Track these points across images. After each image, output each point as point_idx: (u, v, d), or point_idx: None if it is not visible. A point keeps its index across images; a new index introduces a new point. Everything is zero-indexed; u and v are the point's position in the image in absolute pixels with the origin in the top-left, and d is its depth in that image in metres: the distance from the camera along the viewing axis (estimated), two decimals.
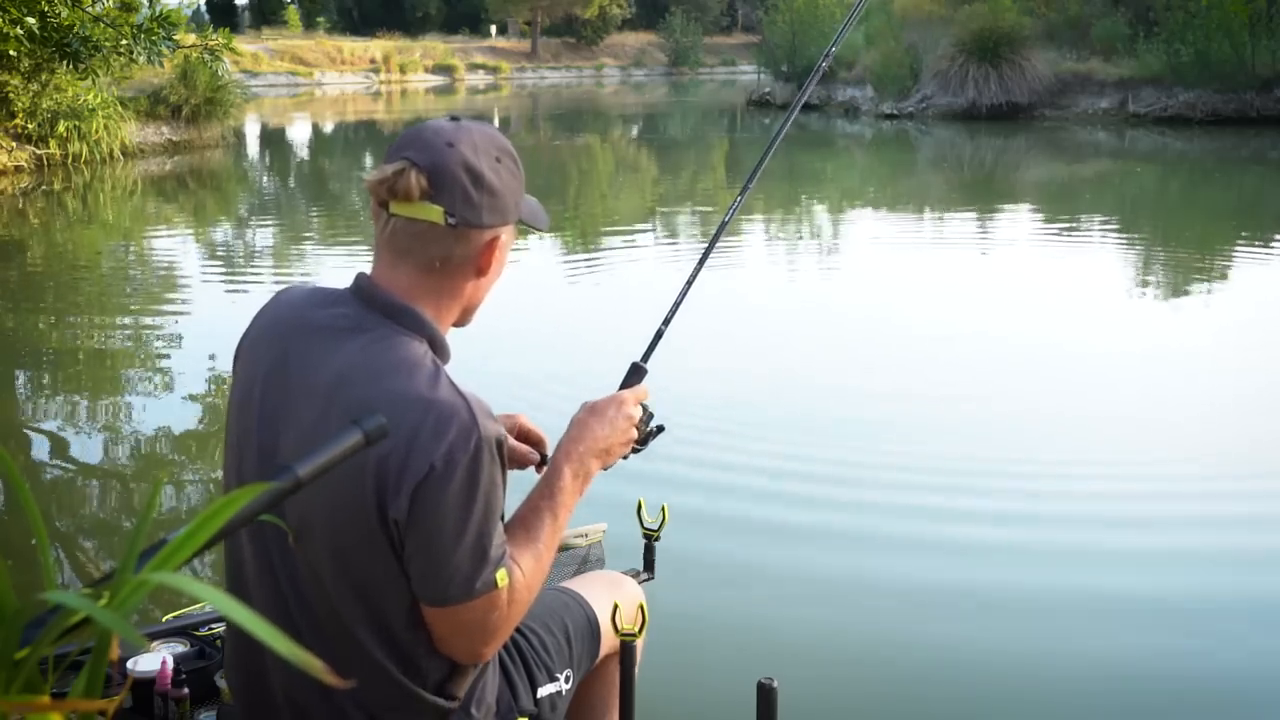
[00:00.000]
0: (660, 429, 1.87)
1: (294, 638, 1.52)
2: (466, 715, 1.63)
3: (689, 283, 2.07)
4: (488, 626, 1.53)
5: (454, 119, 1.57)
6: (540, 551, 1.60)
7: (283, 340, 1.58)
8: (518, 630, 1.80)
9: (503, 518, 1.56)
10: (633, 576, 2.18)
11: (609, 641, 1.93)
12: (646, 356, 1.96)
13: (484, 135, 1.55)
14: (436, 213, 1.49)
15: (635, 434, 1.78)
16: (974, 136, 20.78)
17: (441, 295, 1.56)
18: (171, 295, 8.52)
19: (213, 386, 5.80)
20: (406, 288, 1.54)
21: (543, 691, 1.78)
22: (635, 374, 1.90)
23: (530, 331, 6.39)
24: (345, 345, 1.52)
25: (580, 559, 2.23)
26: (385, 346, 1.51)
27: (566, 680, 1.83)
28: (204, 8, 56.98)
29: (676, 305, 2.03)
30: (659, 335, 2.01)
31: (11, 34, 12.21)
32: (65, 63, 12.99)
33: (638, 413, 1.80)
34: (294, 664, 0.74)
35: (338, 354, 1.52)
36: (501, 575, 1.51)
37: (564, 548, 2.23)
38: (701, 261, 2.10)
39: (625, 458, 1.82)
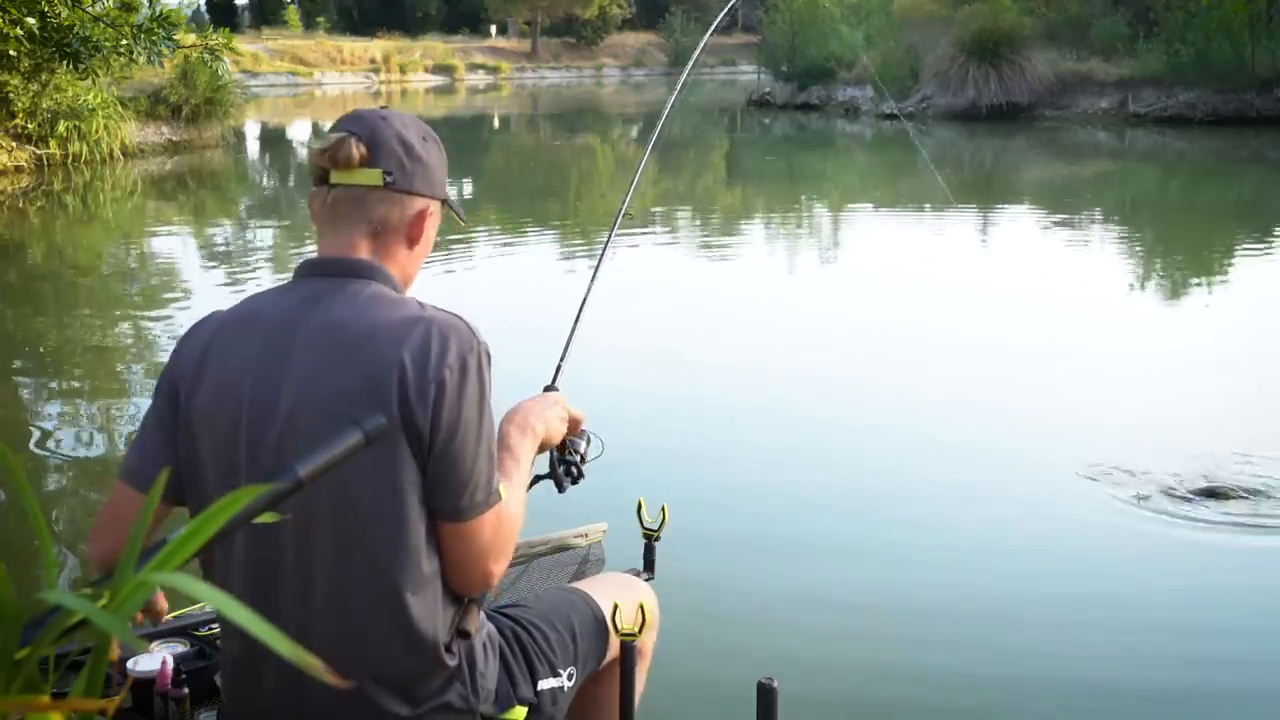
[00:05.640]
0: (601, 442, 2.02)
1: (301, 616, 1.54)
2: (465, 701, 1.65)
3: (579, 310, 2.29)
4: (497, 543, 1.62)
5: (383, 108, 1.72)
6: (514, 485, 1.71)
7: (255, 335, 1.60)
8: (519, 623, 1.82)
9: None
10: (633, 576, 2.18)
11: (618, 642, 1.93)
12: (554, 380, 2.15)
13: (410, 118, 1.71)
14: (375, 175, 1.62)
15: (566, 414, 1.89)
16: (974, 136, 20.78)
17: (384, 262, 1.65)
18: (172, 295, 8.53)
19: None
20: (354, 250, 1.64)
21: (543, 685, 1.79)
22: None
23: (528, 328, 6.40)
24: (323, 306, 1.59)
25: (581, 559, 2.23)
26: (363, 294, 1.60)
27: (570, 677, 1.84)
28: (204, 8, 57.00)
29: (571, 335, 2.25)
30: (559, 368, 2.20)
31: (11, 34, 12.20)
32: (65, 63, 12.98)
33: (563, 403, 1.92)
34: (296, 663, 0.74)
35: (320, 315, 1.58)
36: (503, 486, 1.63)
37: (564, 548, 2.23)
38: (590, 286, 2.33)
39: (568, 473, 1.96)
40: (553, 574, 2.18)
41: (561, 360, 2.18)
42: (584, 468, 1.97)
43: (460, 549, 1.60)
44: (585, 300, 2.32)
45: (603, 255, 2.40)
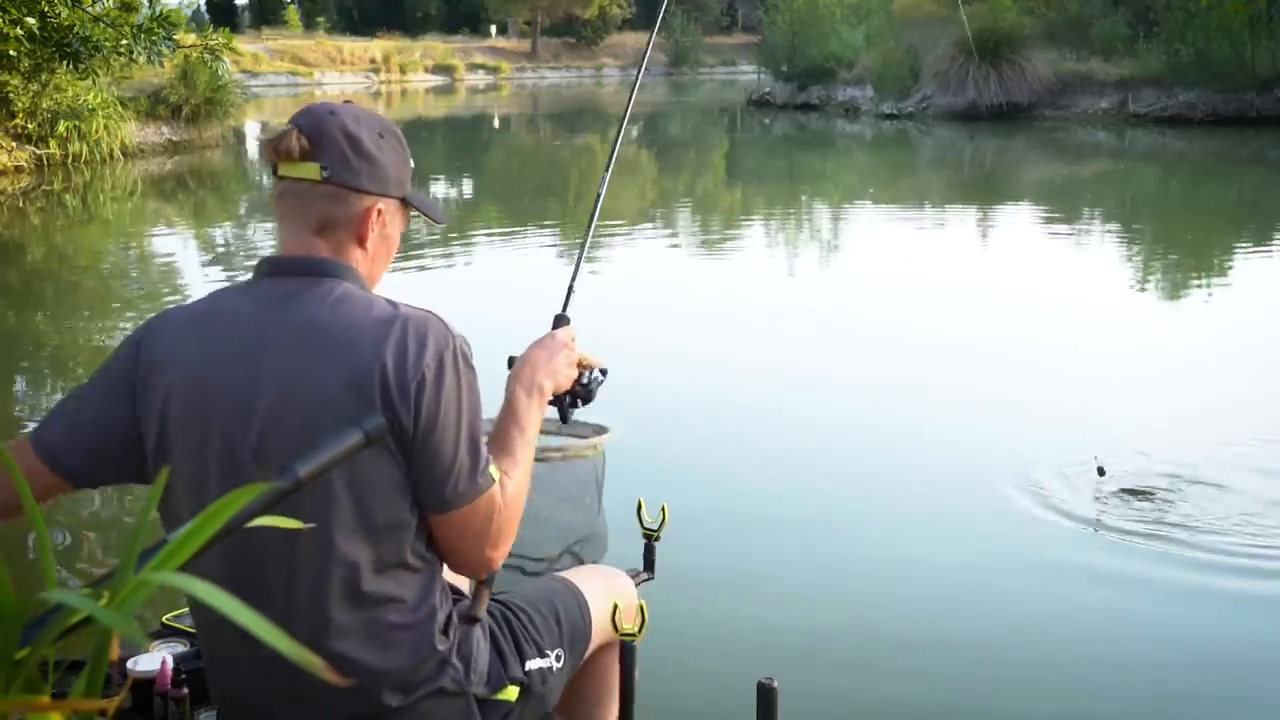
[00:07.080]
0: (604, 372, 2.01)
1: (284, 614, 1.54)
2: (459, 685, 1.67)
3: (587, 231, 2.27)
4: (493, 527, 1.63)
5: (346, 103, 1.69)
6: (519, 460, 1.72)
7: (222, 336, 1.59)
8: (506, 606, 1.84)
9: None
10: (633, 576, 2.18)
11: (601, 632, 1.95)
12: (565, 308, 2.10)
13: (369, 114, 1.67)
14: (313, 169, 1.59)
15: (575, 357, 1.89)
16: (974, 136, 20.78)
17: (347, 261, 1.63)
18: (172, 295, 8.52)
19: None
20: (314, 249, 1.62)
21: (531, 665, 1.81)
22: (560, 323, 2.03)
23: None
24: (294, 306, 1.57)
25: (593, 479, 2.18)
26: (334, 294, 1.58)
27: (558, 659, 1.86)
28: (204, 8, 57.01)
29: (580, 258, 2.22)
30: (570, 290, 2.16)
31: (11, 34, 12.19)
32: (65, 63, 12.96)
33: (571, 344, 1.90)
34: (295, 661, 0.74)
35: (293, 315, 1.57)
36: (494, 470, 1.63)
37: (572, 456, 2.16)
38: (593, 216, 2.28)
39: (574, 404, 1.96)
40: (562, 485, 2.15)
41: (572, 281, 2.14)
42: (592, 391, 1.97)
43: (452, 538, 1.62)
44: (593, 218, 2.27)
45: (610, 162, 2.32)
